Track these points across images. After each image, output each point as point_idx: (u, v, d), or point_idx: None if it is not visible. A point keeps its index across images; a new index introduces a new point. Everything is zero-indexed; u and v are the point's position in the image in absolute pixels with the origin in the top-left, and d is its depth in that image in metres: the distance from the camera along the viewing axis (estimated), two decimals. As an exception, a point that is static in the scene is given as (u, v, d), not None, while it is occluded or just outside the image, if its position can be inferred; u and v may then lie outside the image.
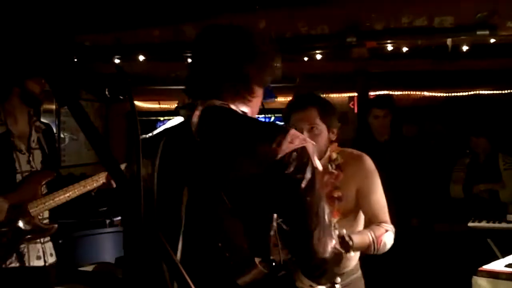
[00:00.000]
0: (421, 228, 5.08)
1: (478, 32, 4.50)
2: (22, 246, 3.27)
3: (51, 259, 3.45)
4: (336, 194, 2.80)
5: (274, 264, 1.73)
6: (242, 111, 1.90)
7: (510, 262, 3.35)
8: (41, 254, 3.37)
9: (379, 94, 7.00)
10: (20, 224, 3.23)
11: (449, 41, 4.98)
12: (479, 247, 4.75)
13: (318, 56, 5.86)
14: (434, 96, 8.07)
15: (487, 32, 4.49)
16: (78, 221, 5.20)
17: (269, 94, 6.44)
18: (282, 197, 1.74)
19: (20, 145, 3.36)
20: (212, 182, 1.74)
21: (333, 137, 2.87)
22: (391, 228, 2.85)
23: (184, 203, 1.79)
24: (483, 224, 4.78)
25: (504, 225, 4.72)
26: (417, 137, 6.44)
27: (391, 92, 7.32)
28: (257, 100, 1.96)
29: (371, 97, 7.00)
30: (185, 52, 4.84)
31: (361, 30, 4.75)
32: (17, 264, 3.25)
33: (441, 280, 5.18)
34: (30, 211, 3.26)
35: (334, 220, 2.74)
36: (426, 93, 8.02)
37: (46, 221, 3.41)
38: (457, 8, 4.58)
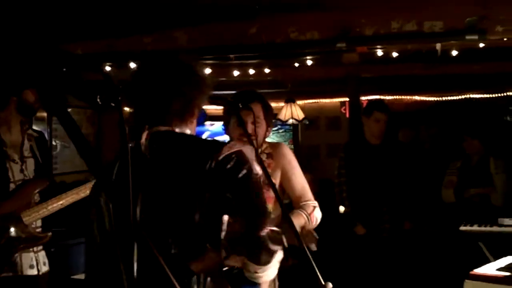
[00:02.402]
0: (414, 232, 5.10)
1: (467, 37, 4.50)
2: (15, 255, 3.26)
3: (44, 268, 3.44)
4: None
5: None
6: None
7: (502, 266, 3.36)
8: (34, 263, 3.36)
9: (373, 99, 7.02)
10: (13, 233, 3.22)
11: (438, 45, 4.99)
12: (471, 251, 4.76)
13: (309, 62, 5.88)
14: (425, 101, 8.12)
15: (476, 37, 4.50)
16: (70, 229, 5.17)
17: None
18: (226, 190, 1.91)
19: (13, 155, 3.36)
20: (164, 190, 1.92)
21: (268, 135, 3.11)
22: (316, 204, 3.09)
23: (139, 208, 1.93)
24: (475, 228, 4.77)
25: (495, 228, 4.71)
26: (410, 141, 6.45)
27: (382, 97, 7.36)
28: (195, 120, 2.16)
29: (363, 101, 7.02)
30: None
31: (351, 36, 4.76)
32: (10, 274, 3.24)
33: (433, 284, 5.19)
34: (24, 219, 3.25)
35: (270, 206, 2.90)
36: (417, 97, 8.07)
37: (39, 229, 3.41)
38: (446, 13, 4.59)
